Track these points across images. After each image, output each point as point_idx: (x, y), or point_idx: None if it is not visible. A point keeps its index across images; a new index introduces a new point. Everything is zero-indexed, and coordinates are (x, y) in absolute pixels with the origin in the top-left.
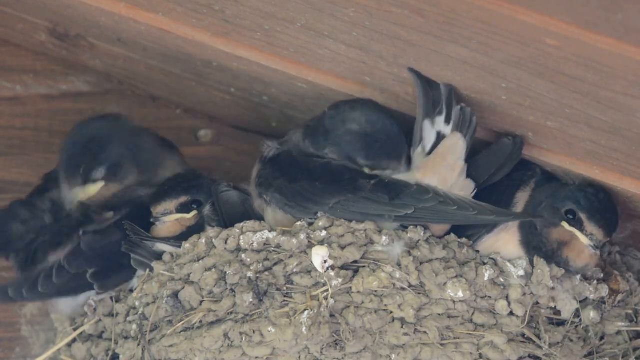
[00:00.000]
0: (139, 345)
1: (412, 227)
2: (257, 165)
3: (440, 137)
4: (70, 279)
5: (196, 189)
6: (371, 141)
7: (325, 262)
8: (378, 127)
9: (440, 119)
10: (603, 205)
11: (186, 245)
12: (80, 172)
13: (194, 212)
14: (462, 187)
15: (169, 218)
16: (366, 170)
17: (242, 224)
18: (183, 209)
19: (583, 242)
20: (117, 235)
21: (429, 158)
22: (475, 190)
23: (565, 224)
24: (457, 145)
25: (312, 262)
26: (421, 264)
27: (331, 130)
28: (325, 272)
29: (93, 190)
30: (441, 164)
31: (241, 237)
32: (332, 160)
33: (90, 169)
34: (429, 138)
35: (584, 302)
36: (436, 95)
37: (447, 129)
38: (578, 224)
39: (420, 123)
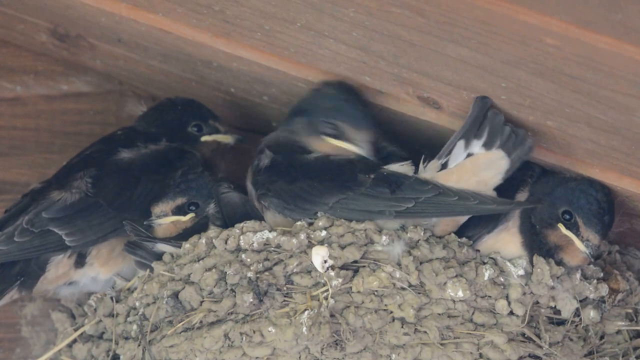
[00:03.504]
0: (139, 345)
1: (412, 226)
2: (250, 174)
3: (467, 157)
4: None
5: (195, 190)
6: (342, 106)
7: (325, 262)
8: (352, 97)
9: (477, 143)
10: (601, 207)
11: (186, 245)
12: None
13: (190, 215)
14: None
15: (164, 220)
16: (329, 140)
17: (242, 224)
18: (179, 211)
19: (579, 247)
20: None
21: (450, 170)
22: None
23: (562, 227)
24: (496, 163)
25: (312, 262)
26: (421, 263)
27: (302, 101)
28: (325, 272)
29: None
30: (471, 179)
31: (241, 237)
32: (326, 155)
33: None
34: (456, 157)
35: (584, 301)
36: (485, 123)
37: (482, 151)
38: (574, 228)
39: (455, 140)
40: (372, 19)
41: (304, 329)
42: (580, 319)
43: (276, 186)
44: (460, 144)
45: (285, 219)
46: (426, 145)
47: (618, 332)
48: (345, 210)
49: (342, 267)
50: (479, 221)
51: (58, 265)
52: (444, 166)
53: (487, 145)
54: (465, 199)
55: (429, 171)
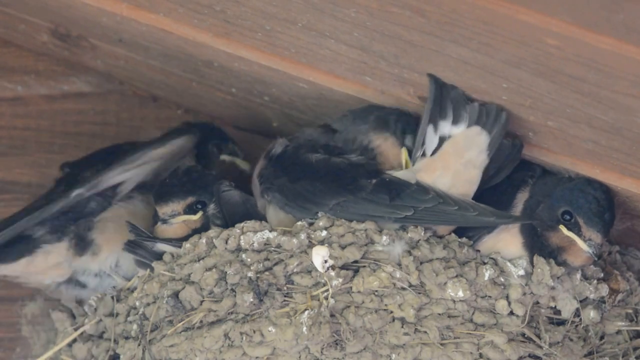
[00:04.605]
0: (139, 345)
1: (412, 227)
2: (261, 161)
3: (442, 141)
4: None
5: (201, 189)
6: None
7: (326, 261)
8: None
9: (445, 123)
10: (600, 205)
11: (186, 245)
12: None
13: (200, 213)
14: (471, 179)
15: (177, 220)
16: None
17: (242, 224)
18: (190, 210)
19: (582, 247)
20: None
21: (433, 159)
22: (477, 185)
23: (563, 229)
24: (475, 140)
25: (312, 262)
26: (421, 263)
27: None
28: (325, 271)
29: None
30: (457, 162)
31: (241, 237)
32: (334, 156)
33: None
34: (431, 143)
35: (584, 301)
36: (445, 100)
37: (455, 130)
38: (575, 228)
39: (424, 128)
40: (373, 19)
41: (304, 328)
42: (581, 319)
43: (280, 181)
44: (430, 129)
45: (287, 216)
46: None
47: (618, 332)
48: (345, 212)
49: (343, 267)
50: None
51: (104, 229)
52: (424, 155)
53: (457, 122)
54: (465, 209)
55: (418, 164)
